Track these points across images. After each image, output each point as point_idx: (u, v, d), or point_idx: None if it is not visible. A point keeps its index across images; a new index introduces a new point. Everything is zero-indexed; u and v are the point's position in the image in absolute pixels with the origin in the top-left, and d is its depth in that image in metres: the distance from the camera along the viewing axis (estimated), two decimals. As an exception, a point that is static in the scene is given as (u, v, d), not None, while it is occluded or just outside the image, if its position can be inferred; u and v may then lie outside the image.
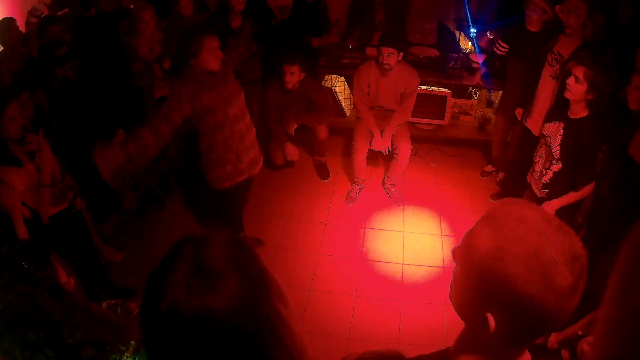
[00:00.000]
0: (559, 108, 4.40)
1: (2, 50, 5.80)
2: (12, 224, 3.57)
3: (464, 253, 1.37)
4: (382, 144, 5.86)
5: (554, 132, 4.33)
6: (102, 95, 5.30)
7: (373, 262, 5.44)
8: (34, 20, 6.52)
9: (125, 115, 5.52)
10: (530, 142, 5.14)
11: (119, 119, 5.49)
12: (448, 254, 5.49)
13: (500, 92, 6.51)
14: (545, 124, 4.50)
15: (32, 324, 2.01)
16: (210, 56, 4.32)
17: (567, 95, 4.17)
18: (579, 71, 4.05)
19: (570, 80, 4.10)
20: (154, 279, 1.28)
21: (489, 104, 7.28)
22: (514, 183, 5.84)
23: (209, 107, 4.39)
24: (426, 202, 6.20)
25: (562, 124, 4.29)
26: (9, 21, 5.78)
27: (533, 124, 5.29)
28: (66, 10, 6.72)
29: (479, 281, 1.28)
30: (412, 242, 5.69)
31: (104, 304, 2.64)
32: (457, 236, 5.72)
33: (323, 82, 6.83)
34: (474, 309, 1.33)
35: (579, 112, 4.20)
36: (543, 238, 1.22)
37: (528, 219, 1.27)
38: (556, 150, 4.31)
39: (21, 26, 6.10)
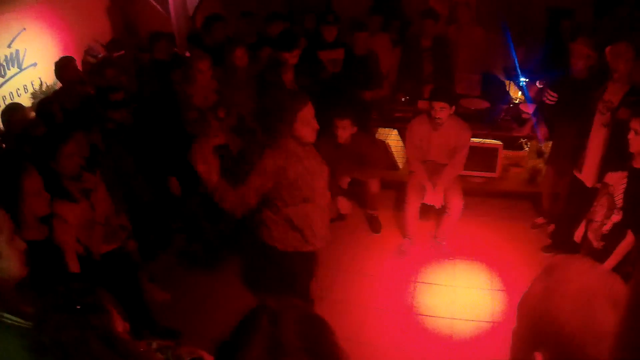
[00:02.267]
0: (622, 157, 4.30)
1: (60, 88, 5.92)
2: (64, 258, 3.64)
3: (521, 299, 1.44)
4: (434, 198, 5.84)
5: (618, 181, 4.25)
6: (156, 139, 5.38)
7: (422, 317, 5.38)
8: (90, 59, 6.70)
9: (178, 162, 5.60)
10: (581, 193, 5.10)
11: (172, 164, 5.58)
12: (498, 308, 5.43)
13: (551, 143, 6.45)
14: (609, 173, 4.42)
15: None
16: (306, 127, 4.06)
17: (631, 149, 4.11)
18: (637, 123, 4.01)
19: (631, 135, 4.06)
20: (228, 349, 1.28)
21: (540, 154, 7.22)
22: (564, 235, 5.77)
23: (295, 180, 4.14)
24: (477, 255, 6.13)
25: (625, 173, 4.22)
26: (68, 61, 5.92)
27: (586, 175, 5.25)
28: (122, 52, 6.87)
29: (529, 321, 1.35)
30: (463, 296, 5.61)
31: (154, 344, 2.65)
32: (508, 290, 5.64)
33: (376, 135, 6.85)
34: (524, 351, 1.38)
35: None
36: (589, 281, 1.29)
37: (577, 262, 1.34)
38: (619, 199, 4.23)
39: (78, 64, 6.23)
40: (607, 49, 4.90)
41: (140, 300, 4.87)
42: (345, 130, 5.65)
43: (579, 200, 5.05)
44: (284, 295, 4.06)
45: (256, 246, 5.35)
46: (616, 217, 4.29)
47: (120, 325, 2.24)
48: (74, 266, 3.63)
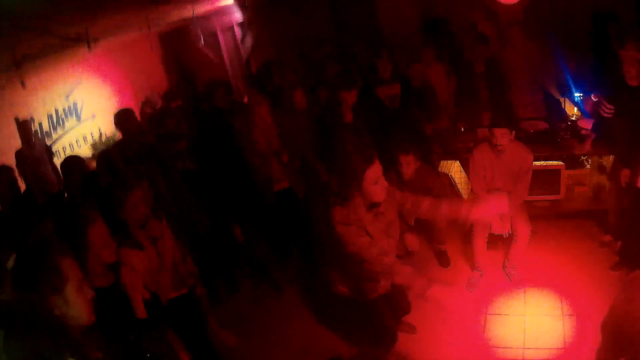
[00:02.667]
0: None
1: (122, 138, 6.06)
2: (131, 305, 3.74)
3: (605, 316, 1.47)
4: (502, 227, 5.85)
5: None
6: (220, 186, 5.48)
7: (495, 349, 5.37)
8: (148, 110, 6.84)
9: (243, 207, 5.71)
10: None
11: (236, 210, 5.68)
12: (570, 334, 5.38)
13: (612, 157, 6.37)
14: None
15: None
16: (374, 186, 3.87)
17: None
18: None
19: None
20: None
21: (602, 170, 7.14)
22: (633, 250, 5.72)
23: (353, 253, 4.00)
24: (547, 281, 6.07)
25: None
26: (128, 112, 6.08)
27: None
28: (179, 102, 7.00)
29: (613, 330, 1.38)
30: (534, 324, 5.57)
31: None
32: (578, 315, 5.57)
33: (439, 168, 6.87)
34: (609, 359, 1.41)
35: None
36: None
37: None
38: None
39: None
40: None
41: (208, 345, 4.96)
42: (409, 166, 5.68)
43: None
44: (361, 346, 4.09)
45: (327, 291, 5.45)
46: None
47: None
48: (141, 312, 3.71)
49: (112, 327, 3.10)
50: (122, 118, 6.01)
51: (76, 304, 2.62)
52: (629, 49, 5.23)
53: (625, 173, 5.55)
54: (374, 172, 3.85)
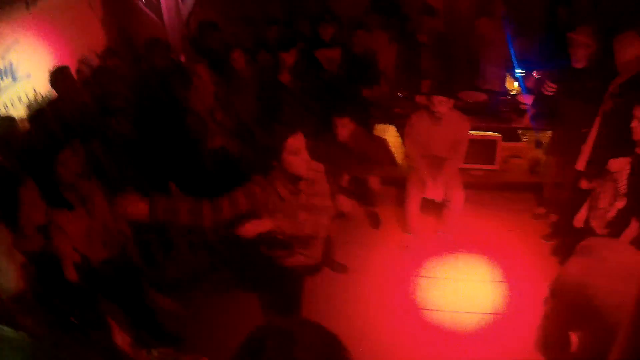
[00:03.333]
0: (625, 143, 4.30)
1: (57, 97, 5.91)
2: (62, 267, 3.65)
3: (556, 280, 1.44)
4: (435, 192, 5.87)
5: (622, 168, 4.28)
6: (157, 146, 5.39)
7: (424, 311, 5.41)
8: (84, 69, 6.68)
9: (180, 167, 5.62)
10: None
11: (174, 170, 5.59)
12: (500, 300, 5.48)
13: (550, 133, 6.47)
14: (611, 160, 4.43)
15: None
16: (292, 158, 3.73)
17: (635, 137, 4.14)
18: (639, 111, 4.03)
19: (634, 123, 4.07)
20: None
21: (538, 145, 7.21)
22: (568, 223, 5.80)
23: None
24: (479, 247, 6.16)
25: (629, 159, 4.24)
26: (63, 70, 5.87)
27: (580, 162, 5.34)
28: (117, 61, 6.86)
29: (566, 300, 1.35)
30: (465, 289, 5.65)
31: (155, 352, 2.65)
32: (510, 281, 5.67)
33: (374, 131, 6.86)
34: (559, 331, 1.38)
35: None
36: (625, 260, 1.34)
37: (613, 244, 1.35)
38: (623, 185, 4.25)
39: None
40: (614, 40, 4.90)
41: (143, 305, 4.88)
42: (344, 128, 5.65)
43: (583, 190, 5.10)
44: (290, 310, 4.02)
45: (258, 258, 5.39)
46: (620, 204, 4.32)
47: (120, 339, 2.22)
48: (71, 274, 3.64)
49: (44, 292, 3.02)
50: (56, 76, 5.83)
51: (6, 270, 2.53)
52: (578, 32, 5.31)
53: (566, 151, 5.68)
54: (294, 143, 3.71)
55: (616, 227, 4.38)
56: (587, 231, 4.70)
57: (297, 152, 3.72)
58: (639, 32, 4.82)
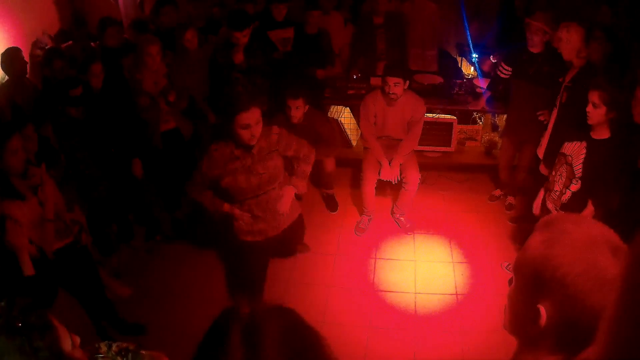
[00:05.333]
0: (581, 127, 4.37)
1: (7, 80, 5.76)
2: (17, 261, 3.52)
3: (519, 256, 1.46)
4: (390, 174, 5.83)
5: (576, 152, 4.33)
6: (109, 129, 5.28)
7: (385, 293, 5.39)
8: (38, 52, 6.52)
9: (132, 149, 5.53)
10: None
11: (127, 152, 5.50)
12: (461, 281, 5.50)
13: (505, 116, 6.49)
14: (566, 143, 4.47)
15: None
16: (241, 132, 4.10)
17: (590, 121, 4.20)
18: (594, 96, 4.09)
19: (589, 107, 4.13)
20: None
21: (494, 128, 7.26)
22: (524, 206, 5.87)
23: (231, 182, 4.32)
24: (436, 229, 6.18)
25: (584, 144, 4.29)
26: (15, 51, 5.72)
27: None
28: (70, 43, 6.72)
29: (531, 274, 1.39)
30: (424, 270, 5.65)
31: (114, 346, 2.57)
32: (469, 262, 5.71)
33: (328, 113, 6.82)
34: (526, 305, 1.40)
35: (601, 133, 4.23)
36: (587, 230, 1.34)
37: (575, 217, 1.38)
38: (578, 169, 4.30)
39: (25, 56, 6.08)
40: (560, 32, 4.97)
41: (101, 296, 4.77)
42: (298, 110, 5.56)
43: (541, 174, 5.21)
44: (253, 292, 4.06)
45: (215, 237, 5.32)
46: (575, 187, 4.37)
47: (68, 343, 2.09)
48: (28, 269, 3.51)
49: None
50: (6, 58, 5.67)
51: None
52: (536, 18, 5.37)
53: (521, 134, 5.85)
54: (246, 118, 4.05)
55: (571, 209, 4.43)
56: (544, 214, 4.74)
57: (246, 127, 4.09)
58: (581, 24, 4.91)
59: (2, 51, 5.67)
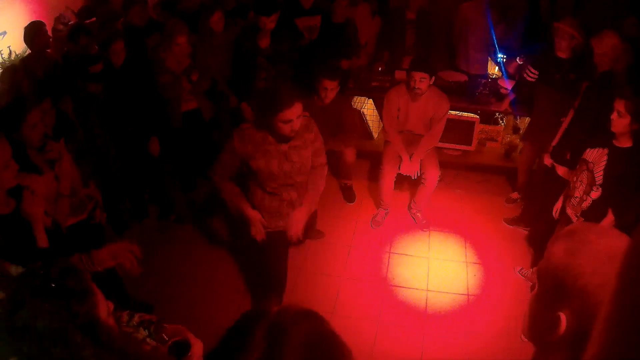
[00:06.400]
0: (604, 133, 4.30)
1: (29, 54, 5.76)
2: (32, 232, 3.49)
3: (542, 264, 1.45)
4: (411, 169, 5.79)
5: (598, 158, 4.26)
6: (128, 106, 5.27)
7: (397, 288, 5.36)
8: (61, 27, 6.52)
9: (151, 127, 5.51)
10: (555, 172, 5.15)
11: (145, 130, 5.48)
12: (473, 281, 5.45)
13: (528, 119, 6.43)
14: (588, 150, 4.41)
15: None
16: (280, 125, 3.92)
17: (613, 129, 4.13)
18: (620, 105, 4.03)
19: (614, 116, 4.07)
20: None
21: (516, 130, 7.20)
22: (534, 210, 5.85)
23: (262, 165, 4.10)
24: (451, 228, 6.13)
25: (606, 151, 4.23)
26: (39, 25, 5.72)
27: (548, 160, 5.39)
28: (93, 19, 6.70)
29: (552, 282, 1.40)
30: (437, 268, 5.61)
31: (137, 317, 2.54)
32: (482, 263, 5.66)
33: (351, 103, 6.79)
34: (547, 312, 1.40)
35: (624, 142, 4.16)
36: (608, 242, 1.34)
37: (598, 228, 1.40)
38: (599, 176, 4.24)
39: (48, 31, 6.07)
40: (592, 39, 4.92)
41: (112, 273, 4.74)
42: (333, 92, 5.52)
43: (554, 178, 5.13)
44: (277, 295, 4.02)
45: (230, 220, 5.27)
46: (595, 194, 4.31)
47: (104, 310, 2.05)
48: (42, 240, 3.48)
49: (13, 259, 2.89)
50: (32, 32, 5.67)
51: None
52: (564, 23, 5.32)
53: (542, 138, 5.69)
54: (289, 114, 3.88)
55: (590, 216, 4.37)
56: (562, 220, 4.69)
57: (288, 122, 3.89)
58: (615, 30, 4.87)
59: (26, 25, 5.68)
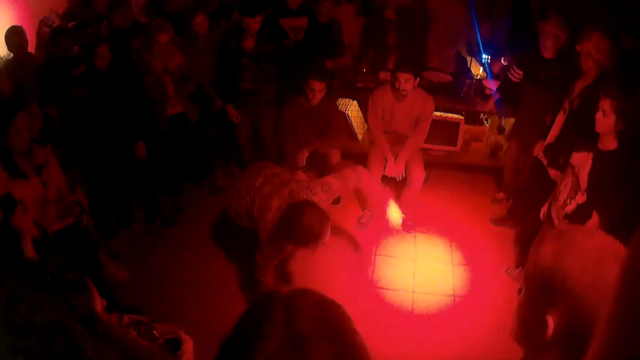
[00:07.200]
0: (588, 137, 4.25)
1: (12, 58, 5.72)
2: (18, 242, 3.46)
3: (529, 266, 1.46)
4: (396, 170, 5.80)
5: (582, 162, 4.21)
6: (113, 110, 5.23)
7: (383, 290, 5.36)
8: (45, 29, 6.47)
9: (137, 131, 5.48)
10: (543, 169, 5.12)
11: (131, 134, 5.45)
12: (459, 282, 5.45)
13: (513, 119, 6.44)
14: (574, 154, 4.36)
15: (58, 356, 1.86)
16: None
17: (597, 129, 4.06)
18: (605, 104, 3.97)
19: (598, 115, 4.02)
20: (237, 344, 1.16)
21: (501, 130, 7.23)
22: (521, 209, 5.87)
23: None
24: (437, 229, 6.12)
25: (591, 154, 4.18)
26: (17, 30, 5.71)
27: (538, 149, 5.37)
28: (75, 22, 6.66)
29: (540, 284, 1.41)
30: (423, 269, 5.61)
31: (126, 318, 2.53)
32: (468, 264, 5.67)
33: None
34: (535, 315, 1.41)
35: (608, 144, 4.08)
36: (597, 242, 1.36)
37: (586, 229, 1.41)
38: (584, 180, 4.21)
39: (33, 34, 6.02)
40: (578, 44, 4.87)
41: (99, 278, 4.72)
42: (320, 93, 5.56)
43: (542, 176, 5.11)
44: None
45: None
46: (580, 198, 4.27)
47: (99, 305, 2.07)
48: (29, 252, 3.46)
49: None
50: (10, 36, 5.64)
51: None
52: (550, 23, 5.30)
53: (528, 138, 5.72)
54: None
55: (575, 220, 4.32)
56: (546, 222, 4.70)
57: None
58: (605, 33, 4.82)
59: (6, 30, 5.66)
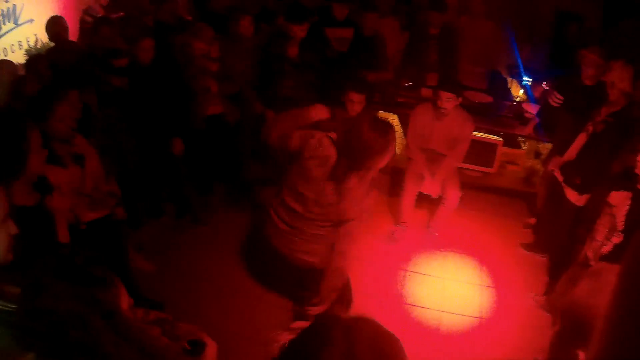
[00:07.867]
0: (628, 176, 4.15)
1: (53, 47, 5.76)
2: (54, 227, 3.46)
3: (565, 302, 1.45)
4: (432, 188, 5.78)
5: (621, 202, 4.10)
6: (153, 104, 5.24)
7: (410, 306, 5.31)
8: (88, 19, 6.51)
9: (173, 127, 5.48)
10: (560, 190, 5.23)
11: (167, 129, 5.44)
12: (487, 304, 5.40)
13: (550, 144, 6.39)
14: (613, 192, 4.25)
15: (77, 348, 1.85)
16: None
17: (637, 171, 3.99)
18: None
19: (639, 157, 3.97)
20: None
21: (537, 155, 7.16)
22: (544, 235, 5.90)
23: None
24: (468, 249, 6.08)
25: (630, 194, 4.08)
26: (57, 20, 5.83)
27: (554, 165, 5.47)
28: (121, 13, 6.69)
29: (574, 320, 1.40)
30: (452, 289, 5.57)
31: (152, 314, 2.53)
32: (496, 287, 5.61)
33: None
34: (566, 349, 1.39)
35: None
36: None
37: (617, 269, 1.38)
38: (621, 221, 4.12)
39: (76, 24, 6.06)
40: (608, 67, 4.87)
41: (127, 270, 4.71)
42: (360, 105, 5.49)
43: (558, 201, 5.23)
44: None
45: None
46: (617, 239, 4.18)
47: (125, 302, 2.08)
48: (63, 235, 3.46)
49: (32, 253, 2.86)
50: (50, 26, 5.75)
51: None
52: (592, 51, 5.29)
53: (556, 161, 5.60)
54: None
55: (611, 261, 4.23)
56: (581, 260, 4.62)
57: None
58: (626, 62, 4.81)
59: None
